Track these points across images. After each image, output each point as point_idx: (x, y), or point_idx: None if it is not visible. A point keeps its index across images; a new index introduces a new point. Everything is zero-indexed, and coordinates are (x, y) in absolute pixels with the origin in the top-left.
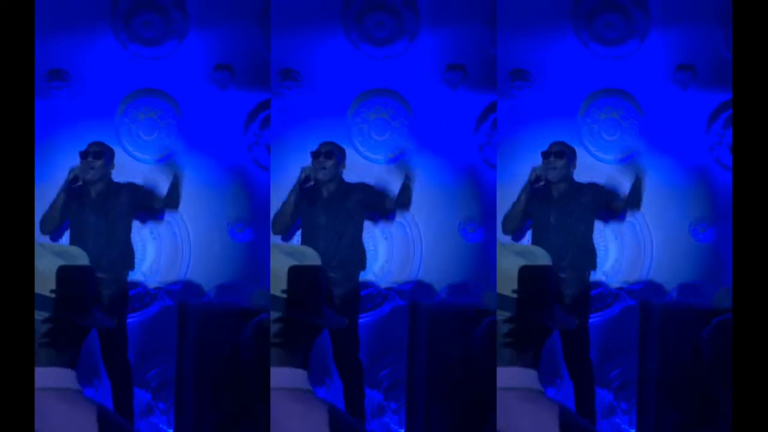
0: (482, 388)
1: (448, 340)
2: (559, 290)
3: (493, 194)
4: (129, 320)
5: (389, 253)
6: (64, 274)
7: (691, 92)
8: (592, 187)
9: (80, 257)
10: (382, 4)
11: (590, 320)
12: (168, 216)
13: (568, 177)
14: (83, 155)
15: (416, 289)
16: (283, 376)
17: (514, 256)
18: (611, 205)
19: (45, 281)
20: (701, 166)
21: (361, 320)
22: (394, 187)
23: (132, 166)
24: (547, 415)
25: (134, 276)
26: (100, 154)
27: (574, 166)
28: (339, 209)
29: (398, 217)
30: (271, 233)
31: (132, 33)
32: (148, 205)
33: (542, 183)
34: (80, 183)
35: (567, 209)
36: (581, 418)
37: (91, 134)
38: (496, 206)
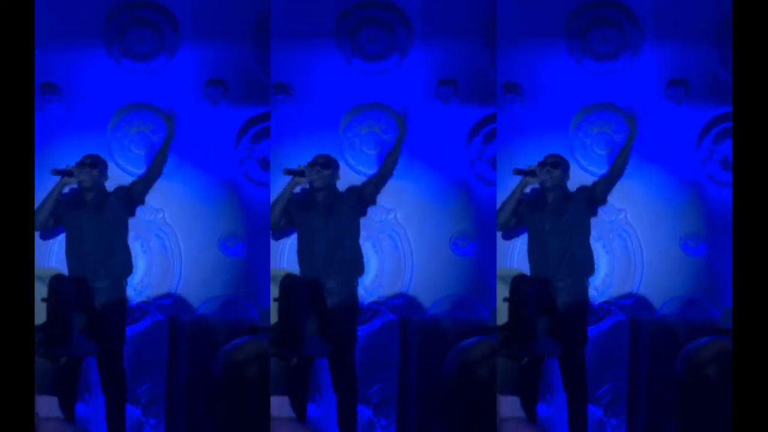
0: (478, 409)
1: (439, 355)
2: (552, 304)
3: (485, 209)
4: None
5: (380, 267)
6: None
7: (684, 107)
8: (581, 188)
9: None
10: (375, 19)
11: (589, 332)
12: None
13: (562, 186)
14: (79, 165)
15: (407, 304)
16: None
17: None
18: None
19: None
20: (692, 180)
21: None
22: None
23: (123, 180)
24: None
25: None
26: (95, 164)
27: (568, 177)
28: (334, 216)
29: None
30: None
31: (125, 48)
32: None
33: (536, 178)
34: (75, 181)
35: (561, 217)
36: None
37: (83, 147)
38: (488, 221)
